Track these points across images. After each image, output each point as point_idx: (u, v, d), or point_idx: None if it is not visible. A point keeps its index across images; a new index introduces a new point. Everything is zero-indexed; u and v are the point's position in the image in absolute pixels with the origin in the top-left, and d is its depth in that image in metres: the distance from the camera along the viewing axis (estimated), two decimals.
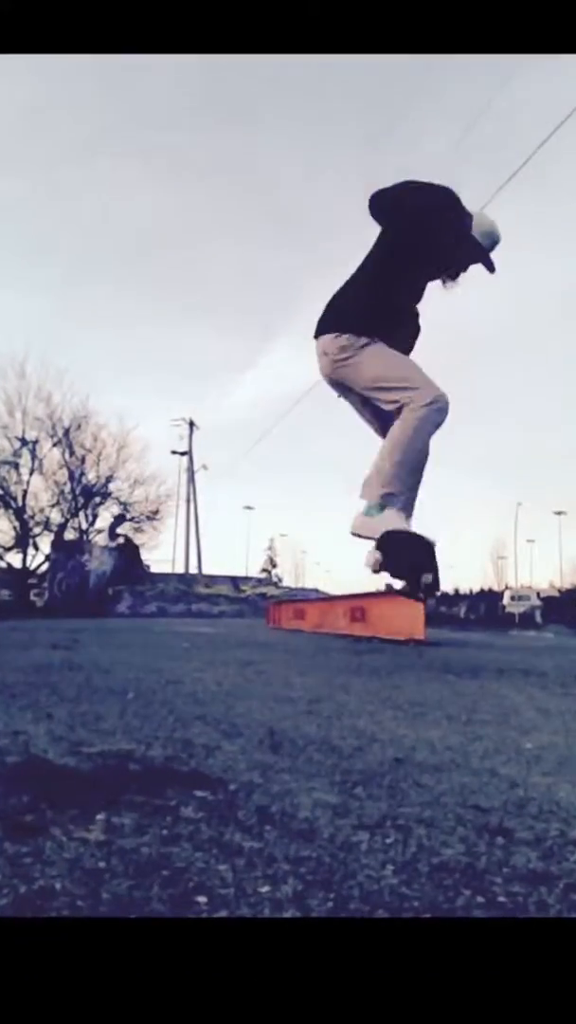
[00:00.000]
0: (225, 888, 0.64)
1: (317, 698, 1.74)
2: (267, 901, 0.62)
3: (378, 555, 3.01)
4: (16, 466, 18.37)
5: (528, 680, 2.21)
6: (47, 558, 17.68)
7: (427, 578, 2.97)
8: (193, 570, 26.47)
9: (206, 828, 0.79)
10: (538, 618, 23.39)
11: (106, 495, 19.71)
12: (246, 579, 23.96)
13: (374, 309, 2.89)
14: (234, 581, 21.76)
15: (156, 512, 20.82)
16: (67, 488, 18.95)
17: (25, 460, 18.58)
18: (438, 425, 3.02)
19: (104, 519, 19.49)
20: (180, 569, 26.07)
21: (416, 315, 3.08)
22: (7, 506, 18.05)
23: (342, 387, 3.24)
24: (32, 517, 18.44)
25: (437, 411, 3.00)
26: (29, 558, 18.37)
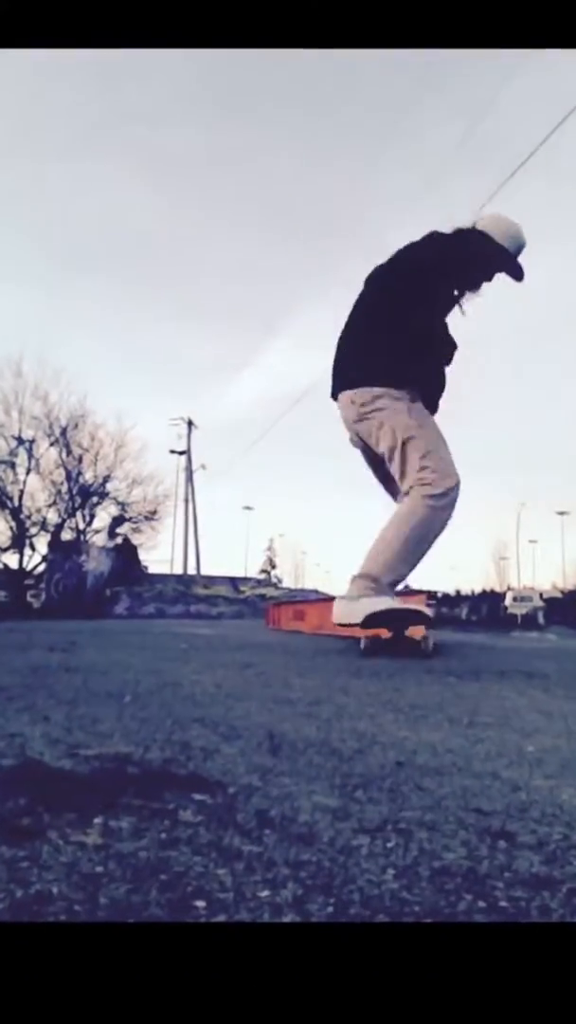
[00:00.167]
0: (224, 892, 0.63)
1: (317, 700, 1.73)
2: (266, 906, 0.61)
3: (367, 642, 2.88)
4: (12, 465, 18.33)
5: (530, 682, 2.20)
6: (44, 559, 17.63)
7: (427, 643, 2.90)
8: (192, 571, 26.49)
9: (205, 832, 0.78)
10: (540, 619, 23.42)
11: (104, 495, 19.68)
12: (245, 580, 23.97)
13: (409, 360, 2.71)
14: (233, 582, 21.75)
15: (154, 512, 20.79)
16: (64, 488, 18.91)
17: (22, 459, 18.54)
18: (445, 523, 2.77)
19: (101, 519, 19.44)
20: (179, 570, 26.10)
21: (443, 370, 2.90)
22: (3, 506, 18.01)
23: (360, 442, 2.95)
24: (29, 517, 18.40)
25: (448, 504, 2.74)
26: (26, 559, 18.33)
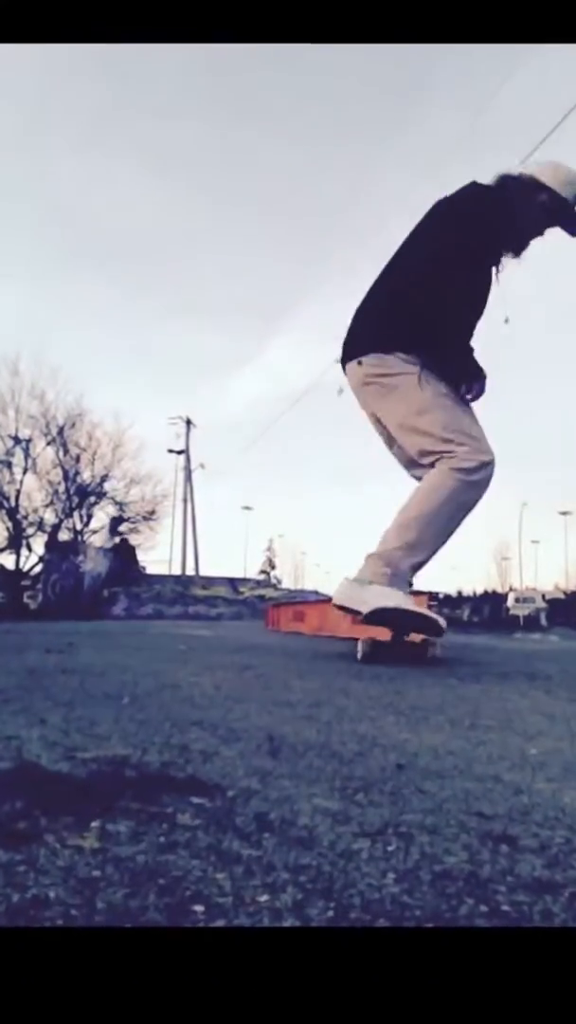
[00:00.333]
0: (223, 897, 0.62)
1: (317, 702, 1.72)
2: (266, 910, 0.60)
3: (366, 646, 2.50)
4: (9, 465, 18.34)
5: (533, 684, 2.19)
6: (41, 559, 17.63)
7: (433, 650, 2.58)
8: (190, 571, 26.47)
9: (203, 835, 0.77)
10: (543, 620, 23.38)
11: (101, 495, 19.68)
12: (244, 581, 23.93)
13: (430, 326, 2.31)
14: (232, 583, 21.72)
15: (152, 512, 20.81)
16: (61, 488, 18.92)
17: (18, 459, 18.55)
18: (474, 502, 2.37)
19: (99, 519, 19.43)
20: (177, 570, 26.08)
21: (471, 350, 2.45)
22: (0, 506, 17.97)
23: (373, 417, 2.56)
24: (25, 517, 18.40)
25: (481, 482, 2.34)
26: (22, 559, 18.32)
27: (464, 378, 2.42)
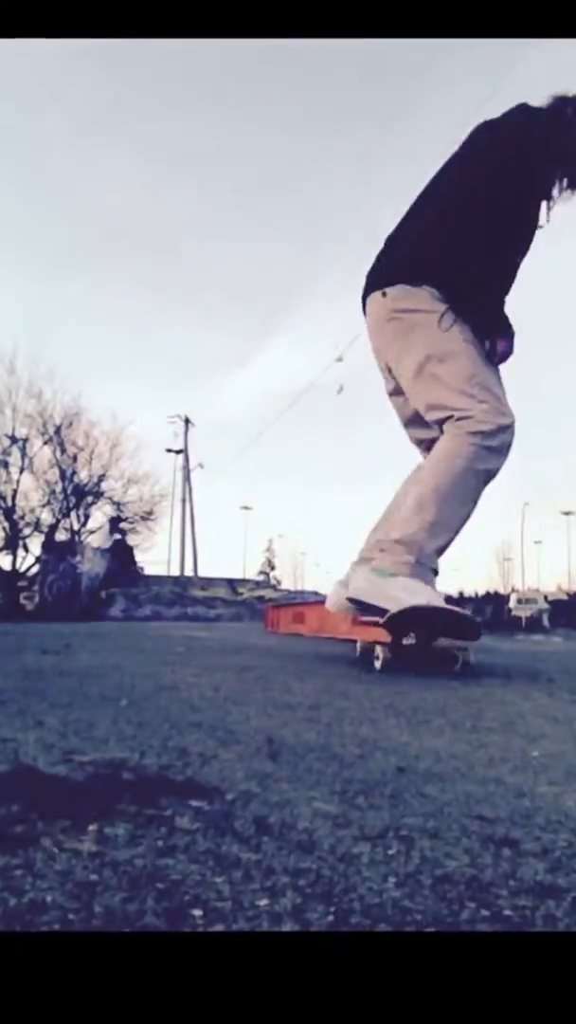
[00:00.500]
0: (222, 901, 0.62)
1: (317, 704, 1.72)
2: (265, 915, 0.60)
3: (386, 651, 2.15)
4: (6, 464, 18.31)
5: (535, 686, 2.19)
6: (37, 560, 17.59)
7: (464, 656, 2.26)
8: (189, 572, 26.44)
9: (202, 839, 0.76)
10: (545, 622, 23.33)
11: (99, 495, 19.67)
12: (243, 581, 23.91)
13: (466, 261, 1.99)
14: (231, 583, 21.70)
15: (150, 512, 20.80)
16: (58, 487, 18.90)
17: (15, 458, 18.53)
18: (493, 473, 2.04)
19: (96, 519, 19.42)
20: (175, 571, 26.05)
21: (504, 301, 2.11)
22: None
23: (385, 364, 2.23)
24: (22, 517, 18.39)
25: (500, 448, 1.99)
26: (19, 560, 18.29)
27: (495, 331, 2.09)
